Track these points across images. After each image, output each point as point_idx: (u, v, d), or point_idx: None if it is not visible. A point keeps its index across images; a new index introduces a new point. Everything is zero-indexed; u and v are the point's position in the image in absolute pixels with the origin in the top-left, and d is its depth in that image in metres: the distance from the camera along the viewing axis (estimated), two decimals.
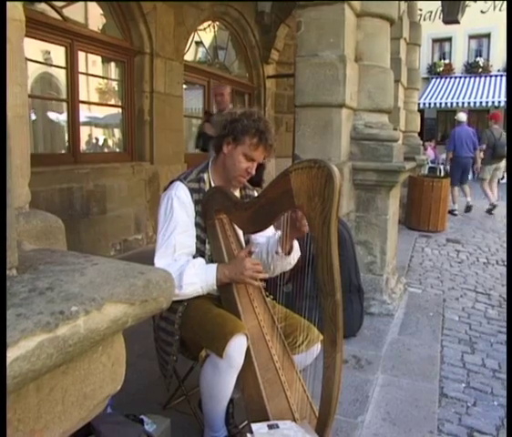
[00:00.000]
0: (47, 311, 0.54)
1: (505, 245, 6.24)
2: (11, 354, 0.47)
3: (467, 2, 7.67)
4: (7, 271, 0.60)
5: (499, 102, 17.05)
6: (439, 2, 7.67)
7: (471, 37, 20.32)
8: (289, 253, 1.97)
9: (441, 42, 21.03)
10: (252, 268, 1.84)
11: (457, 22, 7.43)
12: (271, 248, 2.02)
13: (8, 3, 0.99)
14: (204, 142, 4.87)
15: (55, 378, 0.61)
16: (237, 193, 2.12)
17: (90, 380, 0.67)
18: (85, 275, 0.65)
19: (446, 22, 7.58)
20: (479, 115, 19.97)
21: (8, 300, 0.54)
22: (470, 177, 8.77)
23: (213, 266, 1.89)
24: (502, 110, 15.79)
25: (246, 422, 1.94)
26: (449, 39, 20.62)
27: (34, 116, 4.63)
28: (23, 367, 0.48)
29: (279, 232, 2.03)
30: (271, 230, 2.14)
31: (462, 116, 9.00)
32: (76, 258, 0.72)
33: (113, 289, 0.61)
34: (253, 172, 2.00)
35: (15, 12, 1.00)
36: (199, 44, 7.17)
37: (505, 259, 5.65)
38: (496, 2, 18.35)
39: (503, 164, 9.04)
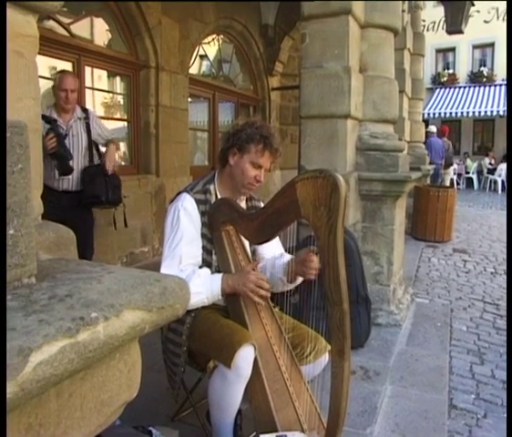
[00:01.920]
0: (68, 317, 0.55)
1: None
2: (34, 359, 0.48)
3: (471, 12, 7.70)
4: (26, 279, 0.62)
5: (504, 111, 17.02)
6: (442, 12, 7.70)
7: (475, 47, 20.36)
8: (292, 282, 1.98)
9: (444, 52, 21.09)
10: (255, 281, 1.83)
11: (461, 32, 7.45)
12: (277, 271, 2.03)
13: (16, 16, 1.01)
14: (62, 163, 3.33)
15: (74, 384, 0.62)
16: (243, 204, 2.13)
17: (108, 386, 0.68)
18: (102, 283, 0.66)
19: (450, 32, 7.61)
20: (484, 124, 19.99)
21: (29, 307, 0.55)
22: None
23: (218, 276, 1.90)
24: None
25: (254, 434, 1.93)
26: (453, 49, 20.67)
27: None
28: (46, 371, 0.49)
29: (286, 256, 2.04)
30: (278, 249, 2.15)
31: (433, 128, 10.46)
32: (92, 266, 0.73)
33: (131, 295, 0.62)
34: (262, 179, 2.01)
35: (28, 28, 1.02)
36: (203, 57, 7.23)
37: None
38: (500, 11, 18.41)
39: (450, 169, 11.33)
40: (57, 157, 3.30)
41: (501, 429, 2.47)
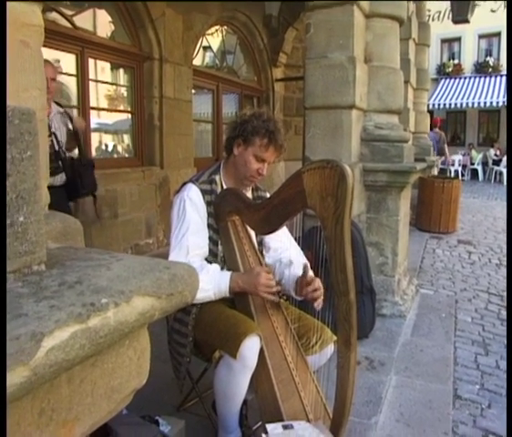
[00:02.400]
0: (79, 303, 0.55)
1: None
2: (47, 344, 0.48)
3: (477, 1, 7.63)
4: (36, 266, 0.62)
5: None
6: (448, 2, 7.63)
7: (481, 37, 20.17)
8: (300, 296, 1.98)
9: (450, 42, 20.90)
10: (266, 283, 1.84)
11: (467, 21, 7.39)
12: (286, 282, 2.02)
13: (21, 5, 1.01)
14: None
15: (85, 370, 0.62)
16: (249, 194, 2.13)
17: (118, 373, 0.68)
18: (111, 270, 0.66)
19: (456, 21, 7.55)
20: (490, 115, 19.84)
21: (39, 294, 0.55)
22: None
23: (227, 274, 1.89)
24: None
25: (260, 423, 1.94)
26: (458, 39, 20.49)
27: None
28: (58, 356, 0.50)
29: (294, 265, 2.03)
30: (285, 239, 2.13)
31: None
32: (101, 254, 0.73)
33: (140, 282, 0.63)
34: (265, 173, 2.00)
35: (34, 17, 1.02)
36: (207, 48, 7.21)
37: None
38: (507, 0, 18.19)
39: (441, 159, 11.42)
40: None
41: (505, 419, 2.48)
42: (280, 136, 1.96)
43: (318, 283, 1.86)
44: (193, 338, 1.96)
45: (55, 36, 4.33)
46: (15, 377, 0.45)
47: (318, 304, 1.86)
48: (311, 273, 1.95)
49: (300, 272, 1.94)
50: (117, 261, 0.69)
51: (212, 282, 1.85)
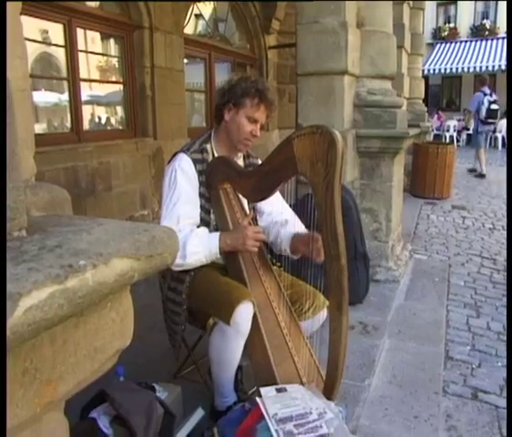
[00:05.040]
0: (57, 265, 0.56)
1: None
2: (24, 303, 0.50)
3: None
4: (17, 232, 0.63)
5: (506, 65, 16.72)
6: None
7: None
8: (295, 254, 2.01)
9: (446, 5, 20.57)
10: (254, 236, 1.85)
11: None
12: (281, 241, 2.04)
13: None
14: None
15: (67, 331, 0.64)
16: (240, 162, 2.13)
17: (100, 334, 0.70)
18: (91, 234, 0.67)
19: None
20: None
21: (19, 258, 0.56)
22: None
23: (216, 234, 1.91)
24: None
25: (255, 388, 1.98)
26: (454, 2, 20.15)
27: (35, 97, 4.62)
28: (36, 315, 0.51)
29: (289, 225, 2.04)
30: (278, 204, 2.14)
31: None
32: (83, 220, 0.74)
33: (119, 244, 0.64)
34: (258, 134, 2.00)
35: None
36: (198, 16, 7.06)
37: None
38: None
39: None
40: None
41: (494, 377, 2.55)
42: (269, 93, 1.96)
43: (316, 236, 1.82)
44: (187, 306, 1.98)
45: (40, 5, 4.23)
46: None
47: (319, 258, 1.80)
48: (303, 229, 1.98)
49: (295, 231, 1.97)
50: (99, 226, 0.70)
51: (202, 244, 1.86)
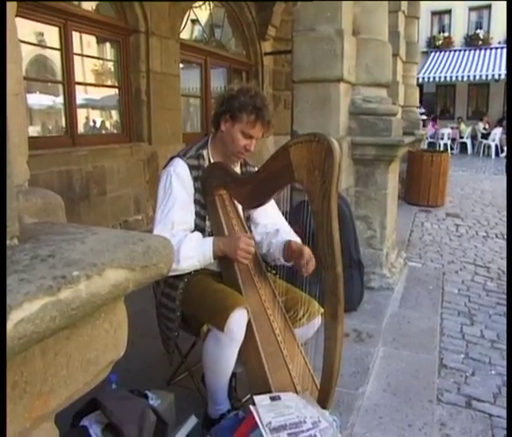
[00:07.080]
0: (50, 276, 0.55)
1: (504, 219, 6.26)
2: (15, 316, 0.48)
3: None
4: (8, 241, 0.61)
5: (499, 75, 16.89)
6: None
7: (471, 9, 20.04)
8: (289, 262, 2.00)
9: (440, 14, 20.75)
10: (246, 248, 1.84)
11: None
12: (274, 250, 2.04)
13: None
14: None
15: (59, 343, 0.62)
16: (237, 169, 2.12)
17: (93, 346, 0.68)
18: (85, 243, 0.65)
19: None
20: (479, 88, 19.83)
21: (10, 268, 0.55)
22: None
23: (209, 239, 1.90)
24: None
25: (249, 396, 1.97)
26: (449, 11, 20.35)
27: (30, 100, 4.60)
28: (27, 329, 0.49)
29: (282, 233, 2.04)
30: (273, 214, 2.14)
31: None
32: (77, 228, 0.73)
33: (113, 255, 0.62)
34: (252, 149, 1.99)
35: None
36: (195, 22, 7.07)
37: (504, 232, 5.67)
38: None
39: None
40: None
41: (488, 385, 2.55)
42: (267, 112, 1.94)
43: (306, 251, 1.86)
44: (181, 312, 1.97)
45: (37, 8, 4.22)
46: None
47: (306, 271, 1.86)
48: (298, 240, 1.97)
49: (287, 238, 1.96)
50: (92, 235, 0.69)
51: (196, 249, 1.85)
